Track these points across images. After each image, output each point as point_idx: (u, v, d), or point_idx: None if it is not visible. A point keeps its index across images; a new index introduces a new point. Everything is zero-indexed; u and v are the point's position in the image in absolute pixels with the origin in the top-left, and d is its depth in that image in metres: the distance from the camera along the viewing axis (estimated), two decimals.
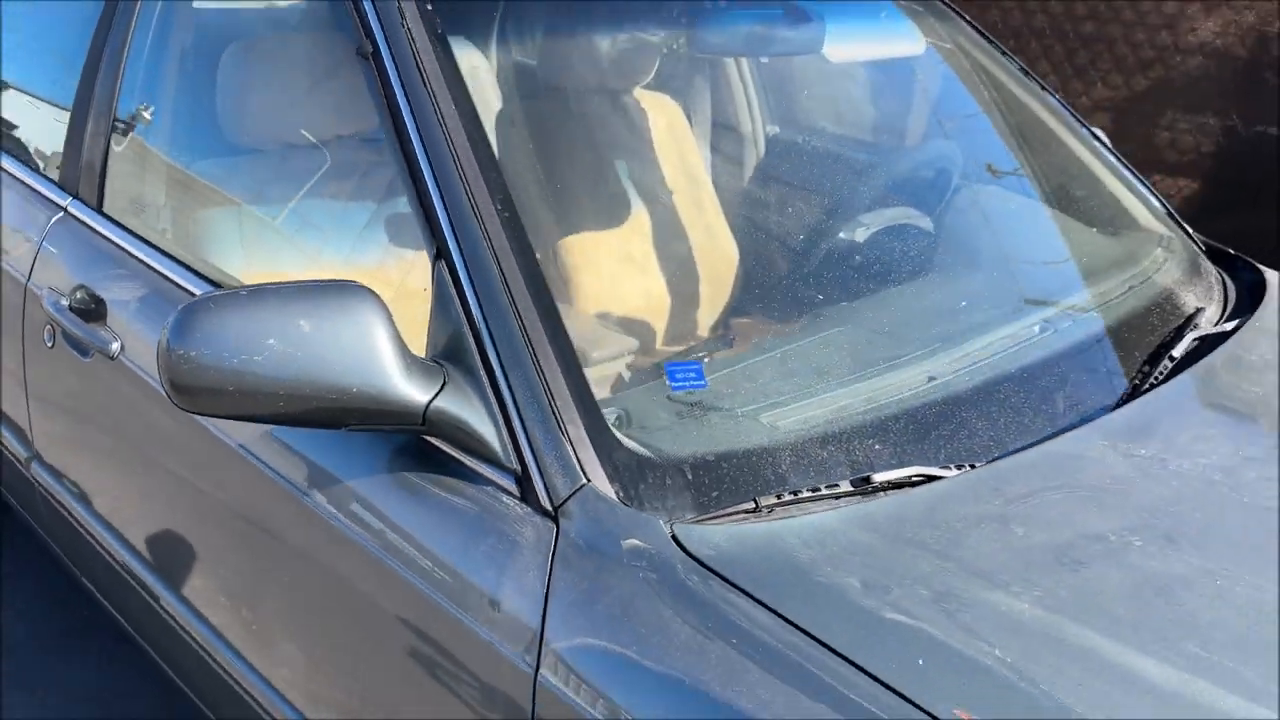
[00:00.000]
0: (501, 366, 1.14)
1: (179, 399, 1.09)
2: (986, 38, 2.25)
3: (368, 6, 1.38)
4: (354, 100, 1.40)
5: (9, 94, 2.12)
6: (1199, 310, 1.66)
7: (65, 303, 1.64)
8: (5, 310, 1.82)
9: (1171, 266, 1.82)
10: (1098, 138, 2.19)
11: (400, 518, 1.18)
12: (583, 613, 1.02)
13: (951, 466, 1.20)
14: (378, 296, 1.12)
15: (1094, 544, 1.08)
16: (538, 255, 1.25)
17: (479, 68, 2.01)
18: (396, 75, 1.32)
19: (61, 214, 1.77)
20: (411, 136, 1.28)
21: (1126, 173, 2.14)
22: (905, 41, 2.26)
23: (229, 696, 1.53)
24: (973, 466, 1.21)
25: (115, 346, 1.54)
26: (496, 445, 1.13)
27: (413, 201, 1.27)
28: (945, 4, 2.26)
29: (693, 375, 1.22)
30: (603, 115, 2.02)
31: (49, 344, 1.70)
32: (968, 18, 2.29)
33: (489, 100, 1.92)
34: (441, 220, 1.22)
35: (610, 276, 1.78)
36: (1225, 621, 1.00)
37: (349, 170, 1.55)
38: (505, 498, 1.12)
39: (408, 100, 1.30)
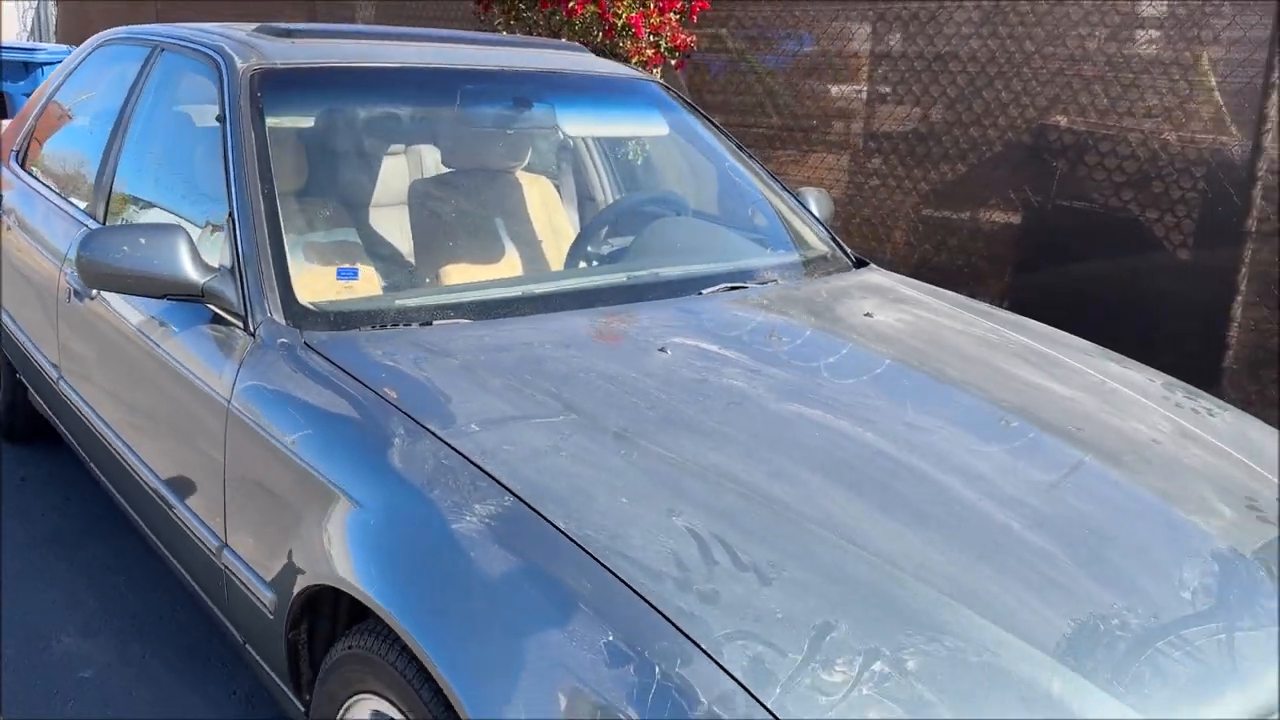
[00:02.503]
0: (246, 267, 2.20)
1: (83, 280, 2.19)
2: (712, 123, 3.29)
3: (226, 93, 2.52)
4: (217, 144, 2.52)
5: (74, 166, 3.36)
6: (769, 280, 2.63)
7: (76, 274, 2.79)
8: (48, 287, 3.00)
9: (778, 260, 2.80)
10: (798, 198, 3.19)
11: (194, 345, 2.25)
12: (252, 372, 2.05)
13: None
14: (185, 230, 2.20)
15: (522, 344, 2.06)
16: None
17: (425, 157, 3.11)
18: (230, 131, 2.44)
19: (84, 229, 2.94)
20: (230, 161, 2.38)
21: (806, 213, 3.14)
22: (655, 126, 3.33)
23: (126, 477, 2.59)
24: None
25: (94, 291, 2.67)
26: (236, 304, 2.17)
27: (226, 191, 2.35)
28: (687, 101, 3.31)
29: (351, 273, 2.27)
30: (488, 187, 3.07)
31: (68, 300, 2.86)
32: (701, 111, 3.34)
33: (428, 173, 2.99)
34: (234, 199, 2.31)
35: None
36: (560, 373, 1.96)
37: (214, 181, 2.65)
38: (237, 331, 2.17)
39: (232, 142, 2.41)
